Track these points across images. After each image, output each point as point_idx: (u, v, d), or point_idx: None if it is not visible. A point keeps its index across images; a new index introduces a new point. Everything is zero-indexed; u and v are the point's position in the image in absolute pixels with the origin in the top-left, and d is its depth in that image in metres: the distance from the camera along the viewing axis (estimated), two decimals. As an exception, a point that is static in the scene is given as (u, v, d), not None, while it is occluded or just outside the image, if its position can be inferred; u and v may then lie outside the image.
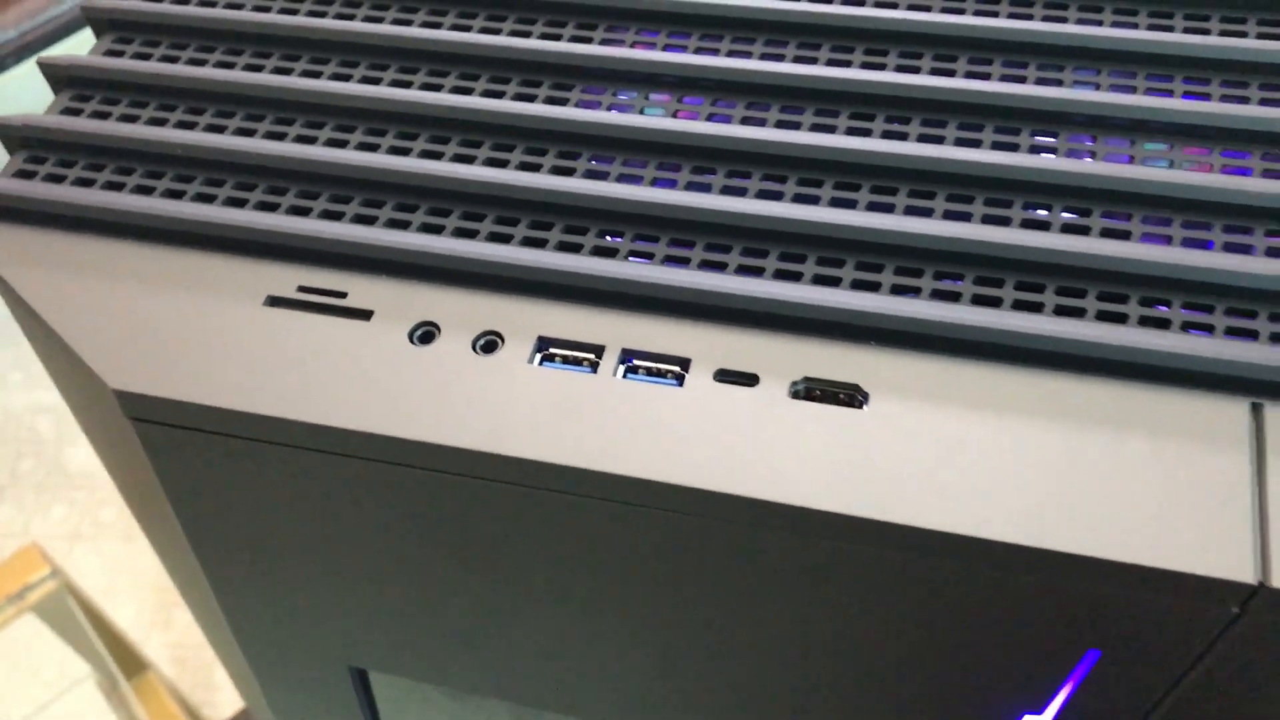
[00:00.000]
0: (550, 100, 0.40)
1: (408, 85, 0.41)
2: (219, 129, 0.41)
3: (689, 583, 0.35)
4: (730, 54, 0.40)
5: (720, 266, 0.36)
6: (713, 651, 0.38)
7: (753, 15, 0.40)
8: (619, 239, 0.37)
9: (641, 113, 0.39)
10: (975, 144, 0.37)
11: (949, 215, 0.36)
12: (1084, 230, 0.35)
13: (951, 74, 0.39)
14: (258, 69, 0.42)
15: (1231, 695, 0.33)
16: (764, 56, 0.40)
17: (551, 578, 0.37)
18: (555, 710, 0.46)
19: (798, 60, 0.40)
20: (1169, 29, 0.39)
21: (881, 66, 0.39)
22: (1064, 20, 0.40)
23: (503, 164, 0.39)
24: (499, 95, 0.40)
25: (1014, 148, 0.37)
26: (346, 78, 0.41)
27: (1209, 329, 0.33)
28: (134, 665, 1.25)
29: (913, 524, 0.30)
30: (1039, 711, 0.36)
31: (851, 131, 0.38)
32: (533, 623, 0.40)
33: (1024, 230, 0.35)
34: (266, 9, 0.43)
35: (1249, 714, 0.34)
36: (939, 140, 0.38)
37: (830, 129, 0.38)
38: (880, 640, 0.35)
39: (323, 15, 0.43)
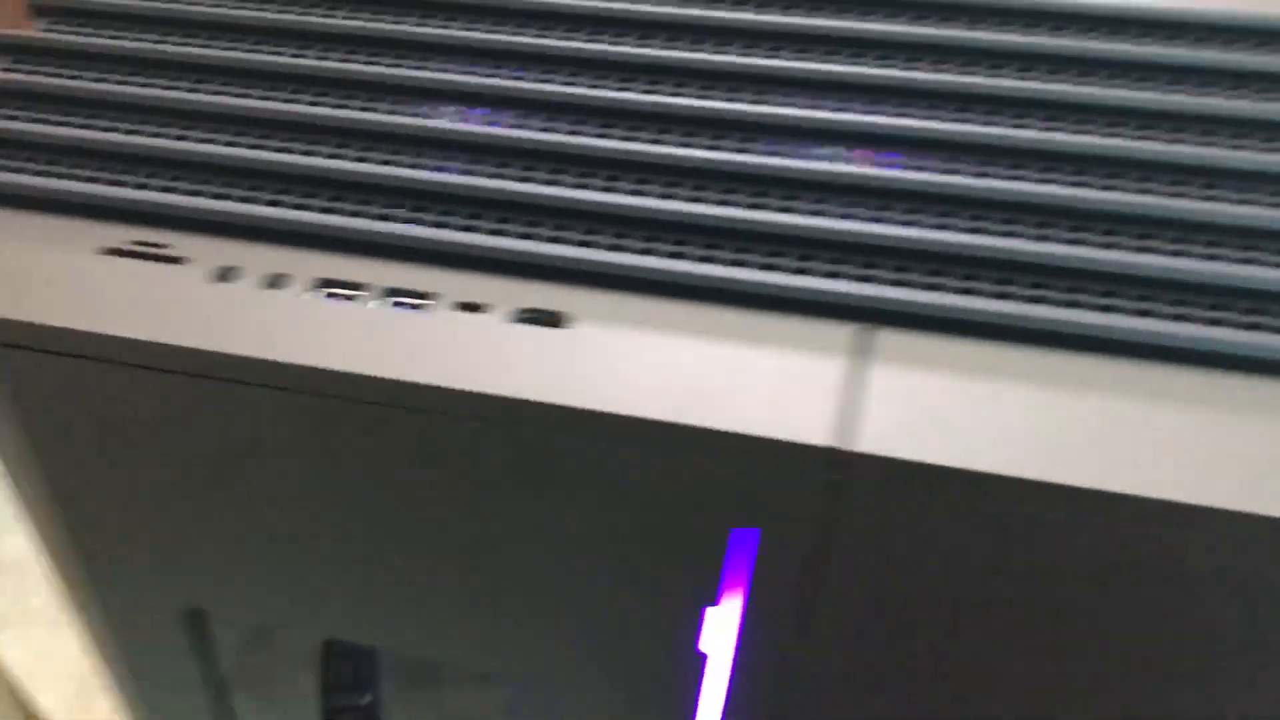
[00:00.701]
0: (363, 109, 0.49)
1: (247, 96, 0.50)
2: (84, 127, 0.50)
3: (430, 482, 0.43)
4: (510, 78, 0.50)
5: (473, 229, 0.45)
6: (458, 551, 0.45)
7: (527, 49, 0.50)
8: (397, 208, 0.46)
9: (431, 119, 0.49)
10: (688, 144, 0.46)
11: (663, 195, 0.45)
12: (764, 205, 0.44)
13: (680, 94, 0.48)
14: (123, 82, 0.51)
15: (887, 572, 0.41)
16: (537, 80, 0.50)
17: (320, 482, 0.45)
18: (366, 639, 0.53)
19: (565, 83, 0.49)
20: (862, 63, 0.49)
21: (628, 89, 0.49)
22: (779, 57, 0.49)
23: (315, 154, 0.48)
24: (320, 104, 0.50)
25: (718, 147, 0.46)
26: (195, 90, 0.51)
27: (838, 275, 0.42)
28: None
29: (589, 407, 0.39)
30: (715, 602, 0.43)
31: (597, 135, 0.47)
32: (312, 539, 0.47)
33: (696, 204, 0.44)
34: (119, 37, 0.53)
35: (912, 592, 0.41)
36: (660, 142, 0.47)
37: (578, 133, 0.47)
38: (575, 534, 0.43)
39: (161, 43, 0.53)
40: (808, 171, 0.45)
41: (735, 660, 0.46)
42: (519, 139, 0.47)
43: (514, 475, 0.42)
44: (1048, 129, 0.46)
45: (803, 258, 0.43)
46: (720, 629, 0.45)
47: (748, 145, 0.46)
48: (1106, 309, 0.41)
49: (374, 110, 0.49)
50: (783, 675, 0.47)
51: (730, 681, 0.47)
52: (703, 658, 0.46)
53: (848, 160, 0.46)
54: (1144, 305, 0.41)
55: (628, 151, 0.46)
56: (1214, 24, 0.48)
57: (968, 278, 0.42)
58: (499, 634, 0.49)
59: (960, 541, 0.39)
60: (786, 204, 0.45)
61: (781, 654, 0.45)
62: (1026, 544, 0.39)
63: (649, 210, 0.44)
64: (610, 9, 0.51)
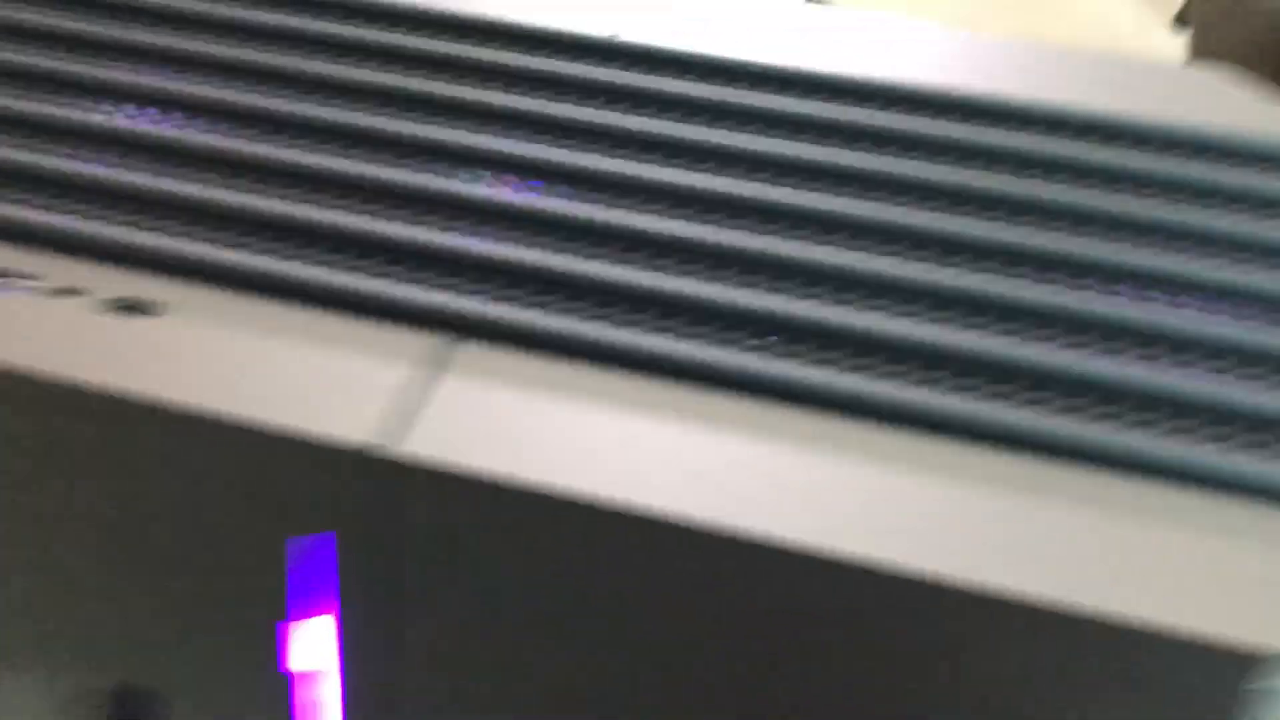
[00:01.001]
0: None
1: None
2: None
3: (14, 470, 0.42)
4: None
5: (101, 219, 0.45)
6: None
7: (183, 53, 0.51)
8: (28, 194, 0.46)
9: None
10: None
11: (302, 199, 0.45)
12: (392, 217, 0.45)
13: (326, 106, 0.49)
14: None
15: (459, 584, 0.40)
16: (185, 81, 0.50)
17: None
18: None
19: (209, 85, 0.50)
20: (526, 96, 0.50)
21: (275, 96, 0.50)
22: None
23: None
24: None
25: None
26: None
27: (441, 287, 0.42)
28: None
29: (145, 396, 0.38)
30: (296, 617, 0.42)
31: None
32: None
33: (321, 209, 0.45)
34: None
35: (486, 605, 0.41)
36: (306, 150, 0.47)
37: (215, 132, 0.48)
38: (154, 533, 0.42)
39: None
40: (442, 192, 0.45)
41: (342, 679, 0.45)
42: (161, 136, 0.47)
43: (83, 465, 0.41)
44: (690, 170, 0.47)
45: (412, 268, 0.43)
46: (309, 646, 0.44)
47: (388, 161, 0.47)
48: (706, 339, 0.41)
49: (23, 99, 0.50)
50: (390, 695, 0.46)
51: (342, 701, 0.46)
52: (288, 677, 0.45)
53: (489, 185, 0.47)
54: (729, 335, 0.41)
55: (266, 156, 0.46)
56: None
57: (570, 298, 0.42)
58: (121, 642, 0.47)
59: (520, 554, 0.39)
60: (417, 218, 0.45)
61: (381, 671, 0.45)
62: (587, 559, 0.39)
63: (276, 213, 0.44)
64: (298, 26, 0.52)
